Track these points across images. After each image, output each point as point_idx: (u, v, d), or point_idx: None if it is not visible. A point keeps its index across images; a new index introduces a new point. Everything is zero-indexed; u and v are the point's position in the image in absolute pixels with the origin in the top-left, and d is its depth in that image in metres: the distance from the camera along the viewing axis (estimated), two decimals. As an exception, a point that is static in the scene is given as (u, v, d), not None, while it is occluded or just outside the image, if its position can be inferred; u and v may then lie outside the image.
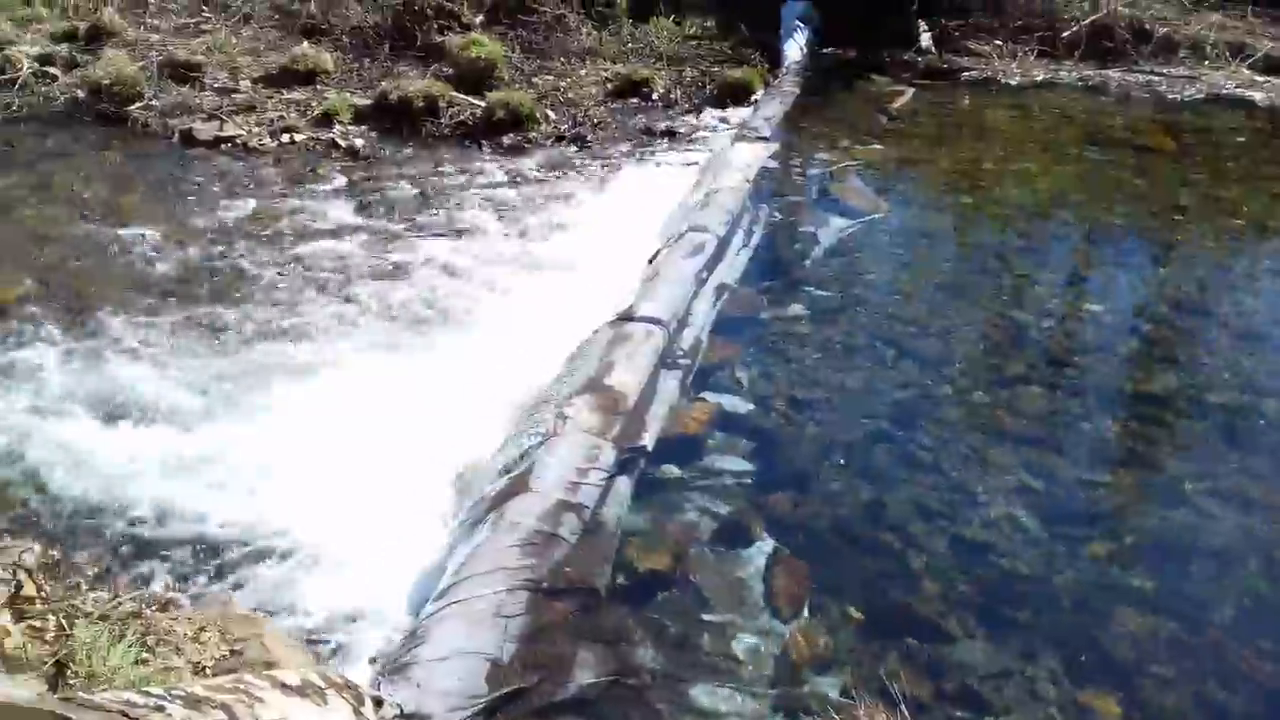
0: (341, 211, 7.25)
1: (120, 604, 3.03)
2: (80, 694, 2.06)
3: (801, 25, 12.20)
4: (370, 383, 4.82)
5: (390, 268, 6.29)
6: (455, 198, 7.53)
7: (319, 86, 9.95)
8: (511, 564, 3.30)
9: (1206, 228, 6.95)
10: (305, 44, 10.67)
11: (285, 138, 8.70)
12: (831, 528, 3.88)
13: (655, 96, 10.16)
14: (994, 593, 3.54)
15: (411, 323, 5.59)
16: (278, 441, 4.32)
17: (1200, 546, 3.79)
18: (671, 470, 4.16)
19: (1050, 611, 3.47)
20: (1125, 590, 3.56)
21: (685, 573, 3.59)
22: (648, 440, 4.20)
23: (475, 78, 9.75)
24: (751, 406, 4.65)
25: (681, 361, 4.89)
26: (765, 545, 3.75)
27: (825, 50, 12.07)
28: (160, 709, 1.97)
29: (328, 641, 3.33)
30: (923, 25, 12.10)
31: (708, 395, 4.72)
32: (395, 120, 9.06)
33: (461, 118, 9.13)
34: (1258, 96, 10.34)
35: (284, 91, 9.76)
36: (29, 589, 2.96)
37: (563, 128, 9.17)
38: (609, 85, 10.37)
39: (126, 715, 1.88)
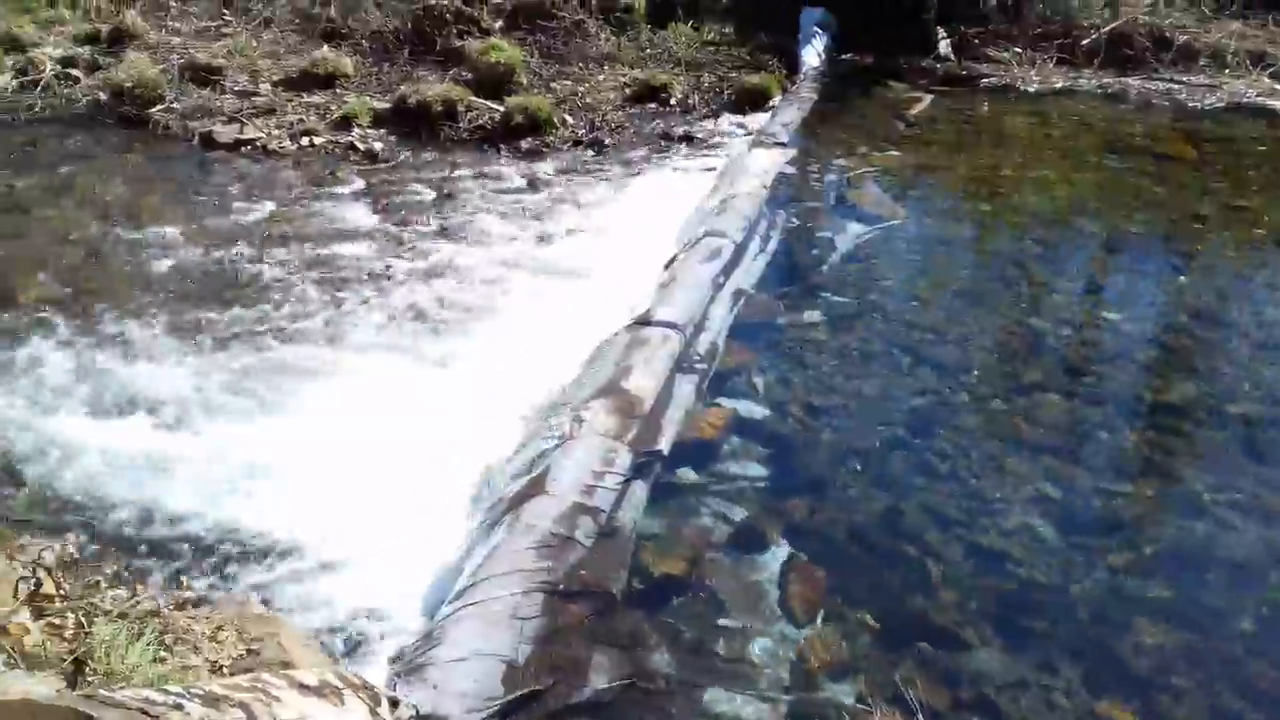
0: (360, 214, 7.28)
1: (139, 602, 3.05)
2: (101, 691, 2.08)
3: (820, 31, 12.20)
4: (386, 386, 4.84)
5: (407, 270, 6.31)
6: (473, 202, 7.56)
7: (338, 90, 10.02)
8: (527, 566, 3.31)
9: (1227, 237, 6.91)
10: (325, 48, 10.75)
11: (305, 141, 8.77)
12: (847, 534, 3.86)
13: (673, 102, 10.18)
14: (1011, 602, 3.52)
15: (428, 325, 5.60)
16: (295, 442, 4.34)
17: (1219, 558, 3.76)
18: (687, 475, 4.16)
19: (1067, 621, 3.45)
20: (1143, 601, 3.54)
21: (700, 577, 3.59)
22: (664, 444, 4.20)
23: (494, 82, 9.79)
24: (767, 412, 4.64)
25: (698, 366, 4.89)
26: (781, 551, 3.74)
27: (843, 56, 12.07)
28: (179, 707, 1.98)
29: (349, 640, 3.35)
30: (941, 32, 12.10)
31: (724, 400, 4.71)
32: (414, 124, 9.10)
33: (480, 122, 9.17)
34: (1279, 105, 10.28)
35: (304, 95, 9.83)
36: (48, 587, 2.99)
37: (580, 132, 9.20)
38: (627, 90, 10.39)
39: (146, 713, 1.89)
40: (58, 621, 2.83)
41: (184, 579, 3.62)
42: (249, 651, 2.91)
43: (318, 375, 5.01)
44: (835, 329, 5.43)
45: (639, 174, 8.23)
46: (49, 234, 6.72)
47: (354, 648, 3.31)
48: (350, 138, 8.80)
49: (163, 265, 6.30)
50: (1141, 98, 10.63)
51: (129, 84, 9.21)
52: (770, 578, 3.61)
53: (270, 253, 6.52)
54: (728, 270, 5.86)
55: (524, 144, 8.86)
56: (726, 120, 9.71)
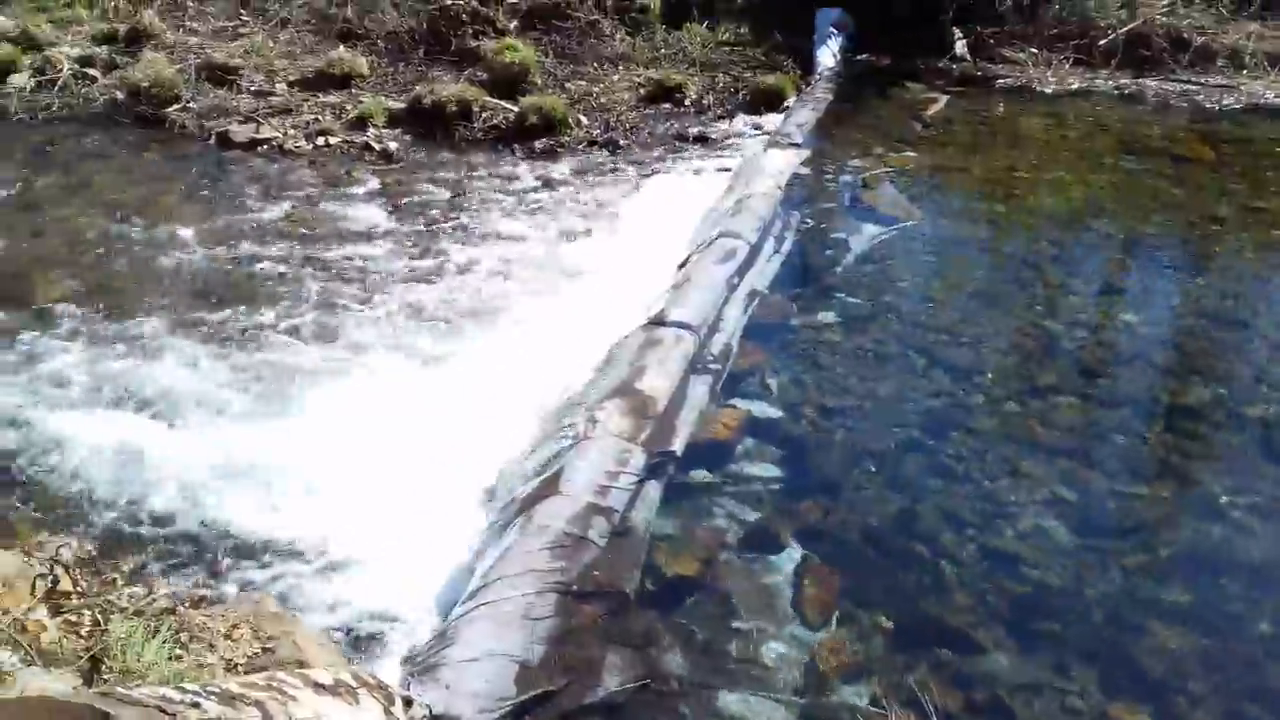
0: (374, 214, 7.30)
1: (155, 600, 3.07)
2: (118, 689, 2.09)
3: (835, 32, 12.15)
4: (397, 385, 4.86)
5: (421, 271, 6.33)
6: (487, 202, 7.57)
7: (354, 90, 10.03)
8: (541, 566, 3.32)
9: (1245, 238, 6.86)
10: (341, 48, 10.76)
11: (320, 140, 8.78)
12: (861, 536, 3.86)
13: (688, 102, 10.16)
14: (1025, 604, 3.51)
15: (441, 325, 5.61)
16: (312, 441, 4.36)
17: (1236, 560, 3.73)
18: (701, 475, 4.15)
19: (1082, 624, 3.43)
20: (1158, 604, 3.52)
21: (714, 578, 3.59)
22: (677, 445, 4.20)
23: (509, 83, 9.79)
24: (781, 413, 4.64)
25: (712, 367, 4.89)
26: (794, 552, 3.73)
27: (859, 57, 12.02)
28: (196, 705, 1.99)
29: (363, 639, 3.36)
30: (957, 32, 12.03)
31: (738, 401, 4.71)
32: (429, 124, 9.11)
33: (494, 122, 9.17)
34: (1298, 107, 10.21)
35: (319, 95, 9.85)
36: (65, 584, 3.01)
37: (595, 133, 9.19)
38: (641, 91, 10.38)
39: (163, 710, 1.90)
40: (74, 619, 2.85)
41: (200, 577, 3.65)
42: (264, 650, 2.92)
43: (329, 375, 5.03)
44: (849, 330, 5.42)
45: (653, 174, 8.22)
46: (66, 233, 6.75)
47: (364, 648, 3.33)
48: (365, 138, 8.82)
49: (178, 264, 6.33)
50: (1159, 99, 10.56)
51: (146, 83, 9.24)
52: (784, 579, 3.61)
53: (286, 252, 6.54)
54: (742, 271, 5.86)
55: (538, 144, 8.86)
56: (741, 121, 9.69)
